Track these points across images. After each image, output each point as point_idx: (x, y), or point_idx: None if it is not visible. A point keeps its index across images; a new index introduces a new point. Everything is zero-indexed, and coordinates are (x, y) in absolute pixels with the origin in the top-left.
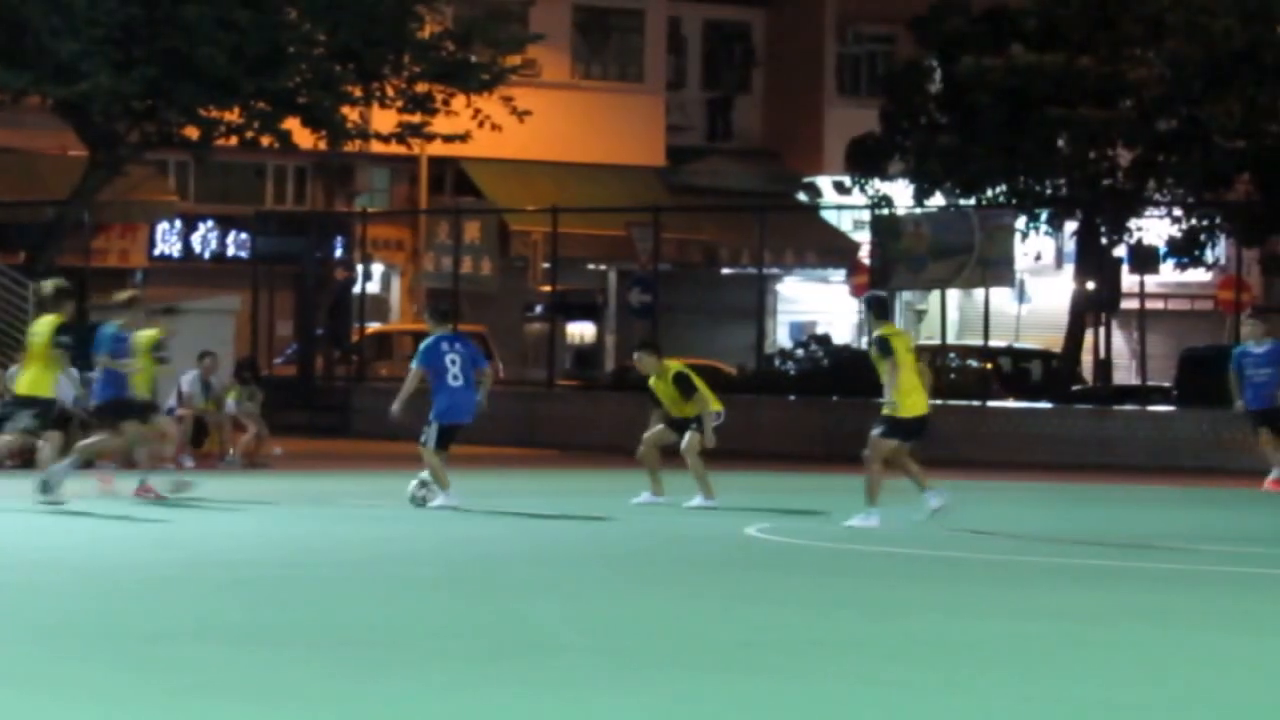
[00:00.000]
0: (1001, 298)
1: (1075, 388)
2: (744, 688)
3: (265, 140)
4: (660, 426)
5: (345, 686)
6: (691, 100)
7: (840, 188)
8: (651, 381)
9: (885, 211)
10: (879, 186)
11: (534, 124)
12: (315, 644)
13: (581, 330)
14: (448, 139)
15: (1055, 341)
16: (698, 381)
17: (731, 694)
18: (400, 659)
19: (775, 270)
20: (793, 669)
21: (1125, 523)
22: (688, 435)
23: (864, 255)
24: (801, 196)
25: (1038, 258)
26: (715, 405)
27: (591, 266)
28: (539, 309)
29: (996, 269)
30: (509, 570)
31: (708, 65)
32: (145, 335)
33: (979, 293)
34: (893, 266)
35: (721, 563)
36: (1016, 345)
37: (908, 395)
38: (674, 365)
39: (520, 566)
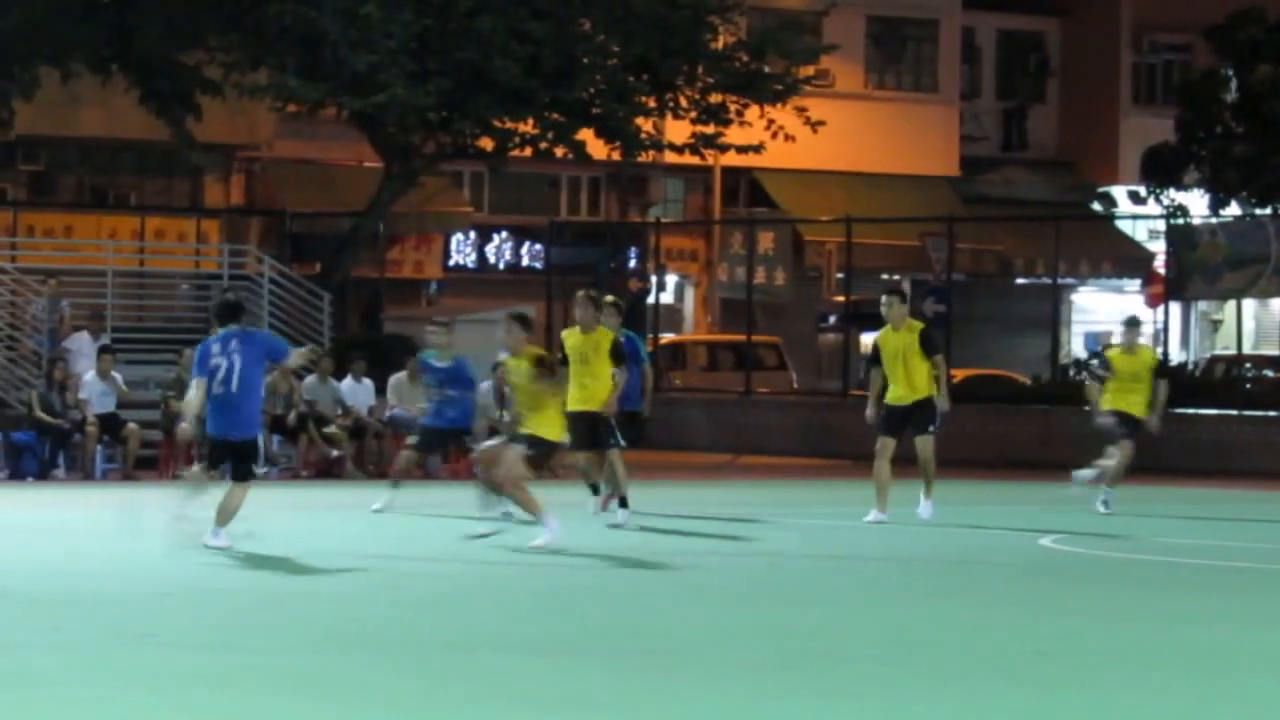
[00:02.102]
0: None
1: None
2: (1036, 699)
3: (559, 151)
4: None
5: (642, 698)
6: (985, 110)
7: (1135, 197)
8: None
9: (1180, 221)
10: (1174, 196)
11: (827, 134)
12: (607, 655)
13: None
14: (741, 149)
15: None
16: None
17: (1022, 705)
18: (692, 667)
19: (1070, 280)
20: (1084, 679)
21: None
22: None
23: (1159, 265)
24: (1096, 206)
25: None
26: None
27: (885, 276)
28: (832, 319)
29: None
30: (799, 580)
31: (1002, 75)
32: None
33: (1275, 303)
34: (1188, 276)
35: (1015, 573)
36: None
37: None
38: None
39: (810, 576)
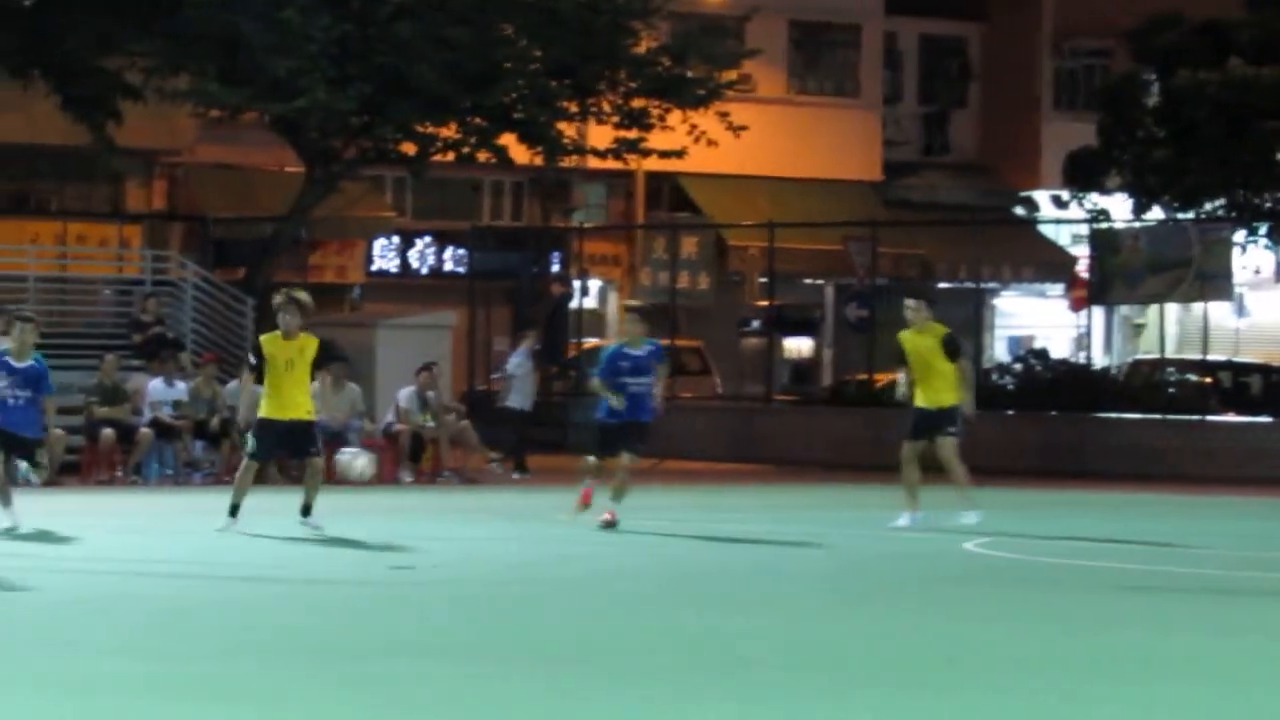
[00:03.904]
0: (1220, 312)
1: None
2: (944, 705)
3: (481, 156)
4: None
5: (554, 703)
6: (907, 115)
7: (1057, 202)
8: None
9: (1103, 226)
10: (1096, 200)
11: (750, 139)
12: (525, 660)
13: (798, 345)
14: (664, 154)
15: (1276, 356)
16: None
17: (922, 710)
18: (609, 673)
19: (992, 285)
20: (988, 684)
21: None
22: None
23: (1081, 270)
24: (1018, 211)
25: (1257, 271)
26: None
27: (808, 281)
28: (755, 324)
29: (1214, 283)
30: (717, 586)
31: (923, 79)
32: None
33: (1197, 307)
34: (1110, 281)
35: (936, 579)
36: (1236, 360)
37: None
38: None
39: (729, 582)
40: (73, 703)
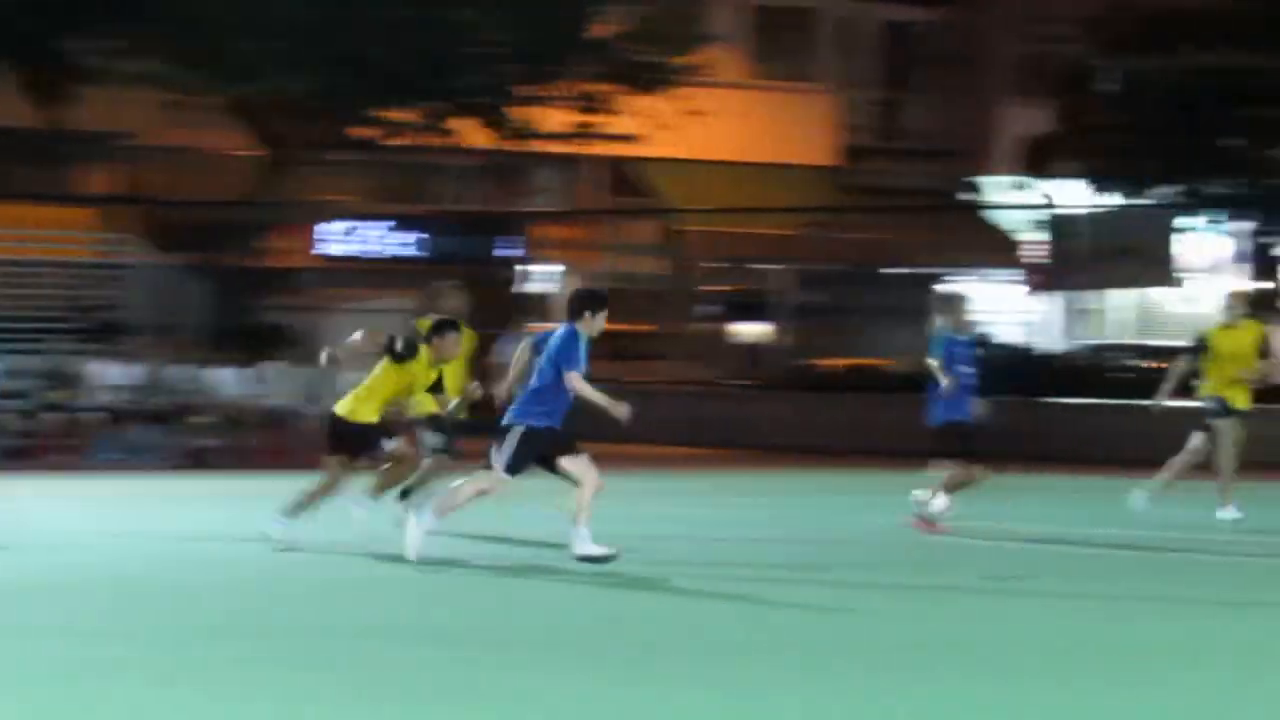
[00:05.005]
0: (1174, 297)
1: None
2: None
3: (437, 140)
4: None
5: (526, 685)
6: (865, 100)
7: (1012, 187)
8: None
9: (1056, 211)
10: (1050, 186)
11: (709, 123)
12: (486, 643)
13: (752, 330)
14: (621, 139)
15: None
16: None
17: (903, 694)
18: (565, 658)
19: (945, 270)
20: (973, 669)
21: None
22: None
23: (1038, 255)
24: (975, 196)
25: (1210, 258)
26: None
27: (763, 266)
28: (710, 309)
29: (1164, 268)
30: (670, 568)
31: (883, 64)
32: None
33: (1151, 292)
34: (1067, 266)
35: (880, 561)
36: (1185, 344)
37: None
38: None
39: (681, 566)
40: (13, 689)
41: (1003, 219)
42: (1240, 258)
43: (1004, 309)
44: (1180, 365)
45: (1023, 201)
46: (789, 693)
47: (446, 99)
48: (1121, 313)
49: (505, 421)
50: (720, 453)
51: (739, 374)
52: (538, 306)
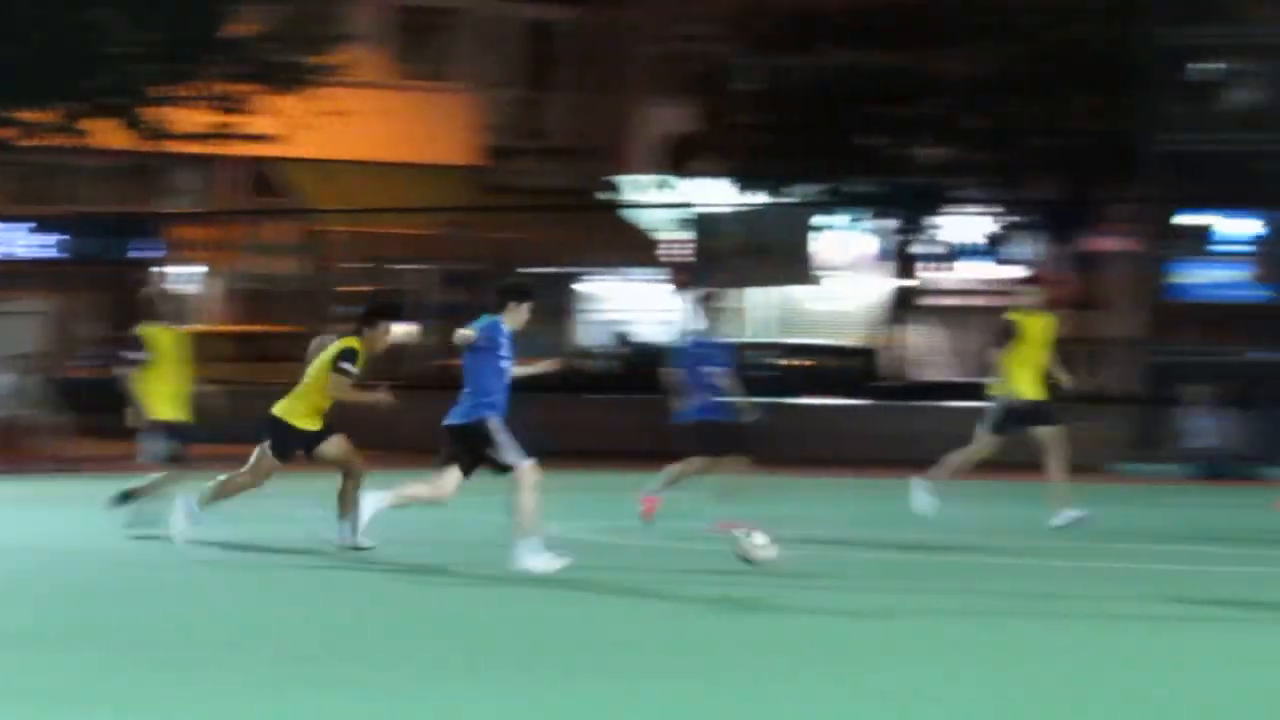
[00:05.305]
0: (815, 295)
1: (882, 384)
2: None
3: (73, 141)
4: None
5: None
6: (508, 99)
7: (654, 186)
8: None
9: (698, 210)
10: (692, 185)
11: (349, 123)
12: (114, 647)
13: (394, 330)
14: (260, 139)
15: (869, 339)
16: None
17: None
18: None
19: (587, 269)
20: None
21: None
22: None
23: (681, 253)
24: (614, 195)
25: (851, 255)
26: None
27: (405, 266)
28: (351, 309)
29: (805, 266)
30: (293, 573)
31: (525, 64)
32: None
33: (792, 290)
34: (705, 264)
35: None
36: (826, 342)
37: None
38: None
39: (299, 570)
40: None
41: (645, 218)
42: (883, 255)
43: (647, 307)
44: (994, 354)
45: (664, 200)
46: (421, 699)
47: (81, 100)
48: (763, 311)
49: (465, 421)
50: (364, 453)
51: (381, 374)
52: (175, 308)
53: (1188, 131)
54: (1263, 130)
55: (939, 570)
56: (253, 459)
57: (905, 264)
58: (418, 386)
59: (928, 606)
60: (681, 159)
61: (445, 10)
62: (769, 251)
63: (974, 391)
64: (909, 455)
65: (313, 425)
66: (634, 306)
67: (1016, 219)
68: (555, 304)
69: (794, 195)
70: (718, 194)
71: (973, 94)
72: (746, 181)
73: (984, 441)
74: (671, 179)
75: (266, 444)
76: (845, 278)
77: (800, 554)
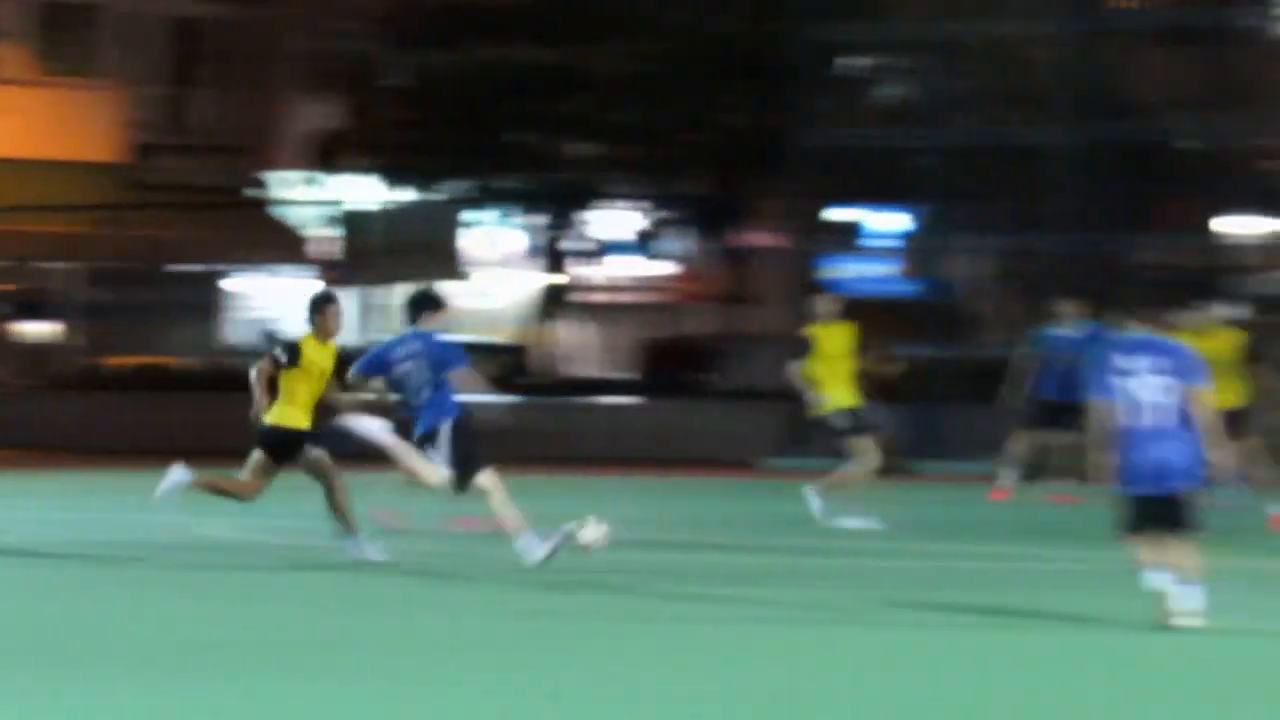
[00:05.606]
0: (464, 291)
1: (531, 381)
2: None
3: None
4: None
5: None
6: (154, 96)
7: (302, 183)
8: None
9: (347, 207)
10: (341, 182)
11: None
12: None
13: (39, 329)
14: None
15: (518, 335)
16: None
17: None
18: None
19: (234, 266)
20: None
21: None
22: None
23: (331, 251)
24: (261, 192)
25: (500, 252)
26: None
27: (50, 265)
28: None
29: (451, 262)
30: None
31: (170, 60)
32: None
33: (443, 286)
34: (360, 261)
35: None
36: (474, 339)
37: None
38: None
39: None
40: None
41: (292, 215)
42: (533, 252)
43: (295, 305)
44: (794, 370)
45: (312, 197)
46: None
47: None
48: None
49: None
50: (7, 453)
51: (26, 374)
52: None
53: (836, 127)
54: (910, 126)
55: (585, 568)
56: None
57: (555, 260)
58: (64, 386)
59: (583, 608)
60: (329, 156)
61: (88, 6)
62: (414, 248)
63: (623, 388)
64: (557, 452)
65: None
66: (283, 304)
67: (666, 215)
68: (203, 302)
69: (443, 192)
70: (366, 191)
71: (622, 90)
72: (394, 178)
73: (860, 447)
74: (320, 176)
75: None
76: (495, 274)
77: (439, 549)
